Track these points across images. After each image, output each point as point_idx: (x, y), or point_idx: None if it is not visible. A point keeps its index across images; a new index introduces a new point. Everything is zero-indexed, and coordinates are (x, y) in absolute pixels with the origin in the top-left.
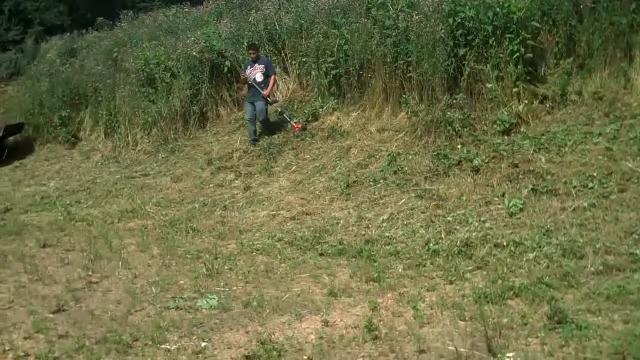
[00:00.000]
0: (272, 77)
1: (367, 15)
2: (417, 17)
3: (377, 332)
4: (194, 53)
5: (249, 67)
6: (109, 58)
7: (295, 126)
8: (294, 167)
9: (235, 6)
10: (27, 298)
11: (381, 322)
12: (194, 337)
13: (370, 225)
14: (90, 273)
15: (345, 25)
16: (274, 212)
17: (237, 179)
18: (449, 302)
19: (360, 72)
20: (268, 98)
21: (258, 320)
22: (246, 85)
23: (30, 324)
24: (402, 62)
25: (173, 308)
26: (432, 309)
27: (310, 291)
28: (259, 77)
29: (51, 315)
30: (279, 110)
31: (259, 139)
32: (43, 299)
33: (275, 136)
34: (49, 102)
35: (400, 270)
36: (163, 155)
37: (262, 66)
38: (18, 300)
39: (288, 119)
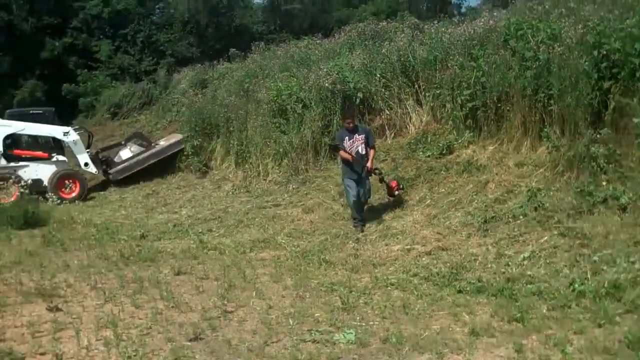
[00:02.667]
0: (373, 150)
1: (505, 47)
2: (559, 49)
3: None
4: (326, 84)
5: (346, 138)
6: (241, 89)
7: (394, 185)
8: (429, 201)
9: (367, 37)
10: (164, 325)
11: None
12: None
13: (510, 263)
14: (225, 302)
15: (482, 57)
16: (408, 247)
17: (369, 212)
18: (599, 346)
19: (498, 105)
20: (375, 171)
21: (397, 357)
22: (341, 161)
23: (168, 351)
24: (543, 95)
25: (310, 341)
26: (581, 353)
27: (450, 329)
28: (362, 150)
29: (188, 343)
30: (380, 176)
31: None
32: (180, 326)
33: (409, 169)
34: (182, 132)
35: (544, 310)
36: (294, 186)
37: (362, 136)
38: (155, 326)
39: (387, 182)
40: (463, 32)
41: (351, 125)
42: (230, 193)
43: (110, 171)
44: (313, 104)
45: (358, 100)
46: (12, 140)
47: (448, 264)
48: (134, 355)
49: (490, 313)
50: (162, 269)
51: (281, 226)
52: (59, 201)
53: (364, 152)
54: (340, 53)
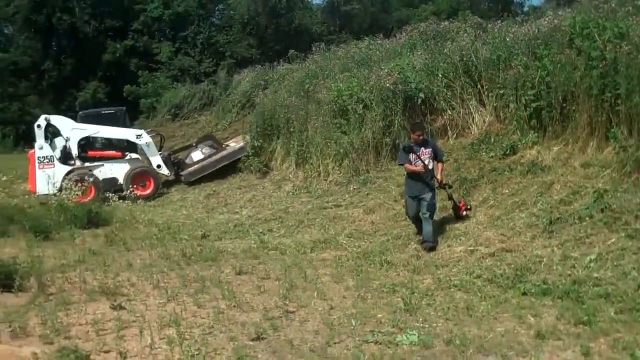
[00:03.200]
0: (442, 164)
1: (570, 46)
2: (626, 48)
3: None
4: (388, 85)
5: (414, 152)
6: (301, 89)
7: (462, 205)
8: (492, 202)
9: (429, 37)
10: (227, 324)
11: None
12: None
13: (576, 265)
14: (286, 302)
15: (547, 57)
16: (471, 248)
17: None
18: None
19: (563, 105)
20: (444, 186)
21: (461, 359)
22: (406, 176)
23: (231, 350)
24: (610, 94)
25: (372, 342)
26: None
27: (515, 332)
28: (430, 164)
29: (251, 343)
30: (449, 193)
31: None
32: (242, 326)
33: (472, 169)
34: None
35: (612, 313)
36: (355, 187)
37: (429, 150)
38: (218, 326)
39: (455, 200)
40: (527, 31)
41: (421, 138)
42: (291, 193)
43: (182, 173)
44: (374, 104)
45: (420, 101)
46: (87, 142)
47: (512, 266)
48: (197, 354)
49: (556, 316)
50: (223, 269)
51: (342, 227)
52: (134, 197)
53: (431, 166)
54: (402, 53)
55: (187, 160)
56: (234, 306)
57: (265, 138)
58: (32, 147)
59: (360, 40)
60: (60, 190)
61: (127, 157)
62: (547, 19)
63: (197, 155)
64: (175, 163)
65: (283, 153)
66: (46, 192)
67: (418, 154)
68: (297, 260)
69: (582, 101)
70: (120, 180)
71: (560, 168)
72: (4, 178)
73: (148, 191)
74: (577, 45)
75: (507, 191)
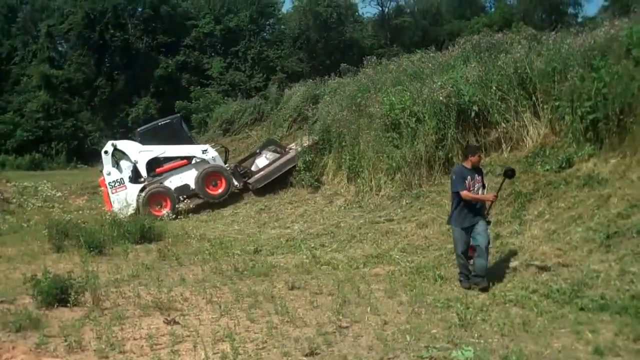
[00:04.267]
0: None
1: (627, 56)
2: None
3: None
4: (441, 98)
5: (468, 178)
6: (353, 103)
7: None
8: (547, 216)
9: (482, 50)
10: (280, 339)
11: None
12: None
13: (634, 280)
14: (340, 317)
15: (603, 68)
16: (526, 263)
17: None
18: None
19: (620, 117)
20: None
21: None
22: (458, 205)
23: None
24: None
25: (427, 358)
26: None
27: (573, 348)
28: (482, 192)
29: (304, 358)
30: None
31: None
32: (295, 341)
33: (526, 183)
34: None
35: None
36: (407, 201)
37: (481, 177)
38: (271, 341)
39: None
40: (582, 42)
41: (476, 161)
42: (343, 208)
43: (250, 181)
44: (427, 117)
45: (473, 114)
46: (154, 161)
47: (569, 281)
48: None
49: (615, 331)
50: (276, 284)
51: (395, 241)
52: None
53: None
54: (455, 66)
55: (253, 168)
56: (287, 321)
57: (316, 152)
58: (86, 163)
59: (411, 53)
60: (137, 208)
61: (194, 162)
62: (603, 29)
63: (261, 161)
64: (242, 173)
65: (335, 167)
66: (125, 214)
67: (474, 181)
68: (350, 275)
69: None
70: (192, 186)
71: (618, 181)
72: (58, 194)
73: (220, 190)
74: (634, 55)
75: (563, 205)
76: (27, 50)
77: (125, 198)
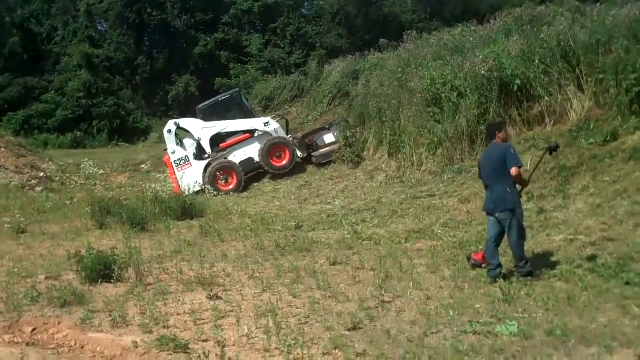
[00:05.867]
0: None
1: None
2: None
3: None
4: (483, 72)
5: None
6: (394, 78)
7: (477, 255)
8: (592, 190)
9: (525, 23)
10: (322, 314)
11: None
12: None
13: None
14: (382, 292)
15: None
16: (571, 237)
17: (529, 202)
18: None
19: None
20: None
21: (563, 350)
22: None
23: (327, 340)
24: None
25: (471, 332)
26: None
27: (619, 322)
28: None
29: (347, 333)
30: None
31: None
32: (338, 316)
33: (570, 157)
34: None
35: None
36: (449, 176)
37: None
38: (313, 316)
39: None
40: (628, 13)
41: (507, 139)
42: (384, 183)
43: (315, 154)
44: (468, 92)
45: (516, 88)
46: (217, 136)
47: (614, 255)
48: (294, 344)
49: None
50: (317, 259)
51: (437, 216)
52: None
53: None
54: (496, 40)
55: (319, 142)
56: (330, 296)
57: (357, 128)
58: (127, 141)
59: (452, 27)
60: (204, 184)
61: (256, 135)
62: None
63: (329, 137)
64: (309, 145)
65: (375, 143)
66: (193, 190)
67: None
68: (392, 251)
69: None
70: (257, 159)
71: None
72: (101, 172)
73: (284, 162)
74: None
75: (608, 179)
76: (67, 29)
77: (191, 174)
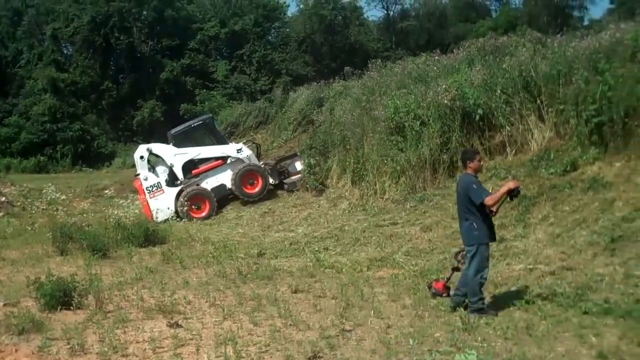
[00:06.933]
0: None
1: (632, 60)
2: None
3: None
4: (445, 101)
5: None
6: (358, 106)
7: (437, 284)
8: (552, 219)
9: (487, 53)
10: (283, 343)
11: None
12: None
13: (639, 284)
14: (343, 321)
15: (609, 71)
16: (531, 266)
17: None
18: None
19: (625, 120)
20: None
21: None
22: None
23: None
24: None
25: None
26: None
27: (577, 352)
28: None
29: None
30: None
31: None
32: (298, 344)
33: (531, 186)
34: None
35: None
36: (411, 204)
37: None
38: (274, 344)
39: (449, 273)
40: (588, 45)
41: (480, 168)
42: (347, 211)
43: (286, 181)
44: (431, 121)
45: (478, 117)
46: (190, 163)
47: (573, 284)
48: None
49: (619, 335)
50: (279, 287)
51: (399, 245)
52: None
53: None
54: (459, 69)
55: (291, 169)
56: (290, 324)
57: (321, 156)
58: (91, 166)
59: (417, 56)
60: (177, 212)
61: (229, 162)
62: (608, 32)
63: (300, 164)
64: (281, 172)
65: (339, 171)
66: (165, 217)
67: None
68: (354, 279)
69: None
70: (229, 185)
71: (623, 184)
72: (63, 197)
73: (257, 189)
74: (639, 59)
75: (567, 208)
76: (32, 53)
77: (163, 201)
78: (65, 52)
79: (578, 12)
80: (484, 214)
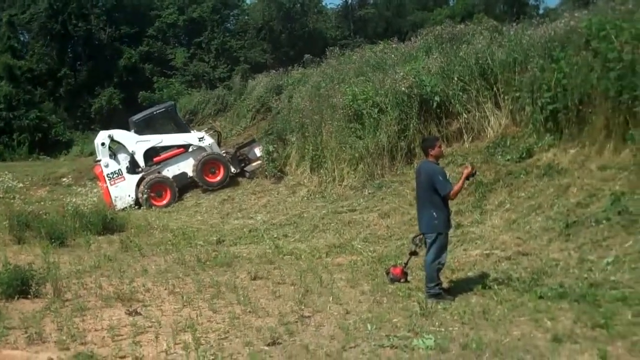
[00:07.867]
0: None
1: (586, 48)
2: None
3: None
4: (403, 88)
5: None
6: (316, 94)
7: (395, 270)
8: (508, 205)
9: (445, 41)
10: (242, 329)
11: None
12: None
13: (593, 268)
14: (302, 307)
15: (563, 59)
16: (487, 252)
17: None
18: None
19: (580, 107)
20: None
21: None
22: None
23: (246, 355)
24: (627, 96)
25: (388, 346)
26: None
27: (532, 335)
28: None
29: (266, 348)
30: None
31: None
32: (257, 331)
33: (487, 173)
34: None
35: (629, 317)
36: (369, 191)
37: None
38: (233, 331)
39: (406, 259)
40: (543, 33)
41: (442, 155)
42: (306, 198)
43: (247, 168)
44: (389, 108)
45: (435, 104)
46: (151, 150)
47: (528, 269)
48: (213, 359)
49: (573, 319)
50: (238, 274)
51: (357, 231)
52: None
53: None
54: (417, 57)
55: (251, 156)
56: (250, 311)
57: (279, 143)
58: (48, 155)
59: (375, 44)
60: (137, 200)
61: (190, 150)
62: (563, 20)
63: (259, 151)
64: (241, 160)
65: (298, 158)
66: (125, 205)
67: None
68: (312, 265)
69: (599, 103)
70: (190, 173)
71: (577, 171)
72: (20, 185)
73: (219, 178)
74: (593, 47)
75: (523, 194)
76: None
77: (124, 188)
78: (21, 39)
79: (534, 1)
80: (446, 204)
